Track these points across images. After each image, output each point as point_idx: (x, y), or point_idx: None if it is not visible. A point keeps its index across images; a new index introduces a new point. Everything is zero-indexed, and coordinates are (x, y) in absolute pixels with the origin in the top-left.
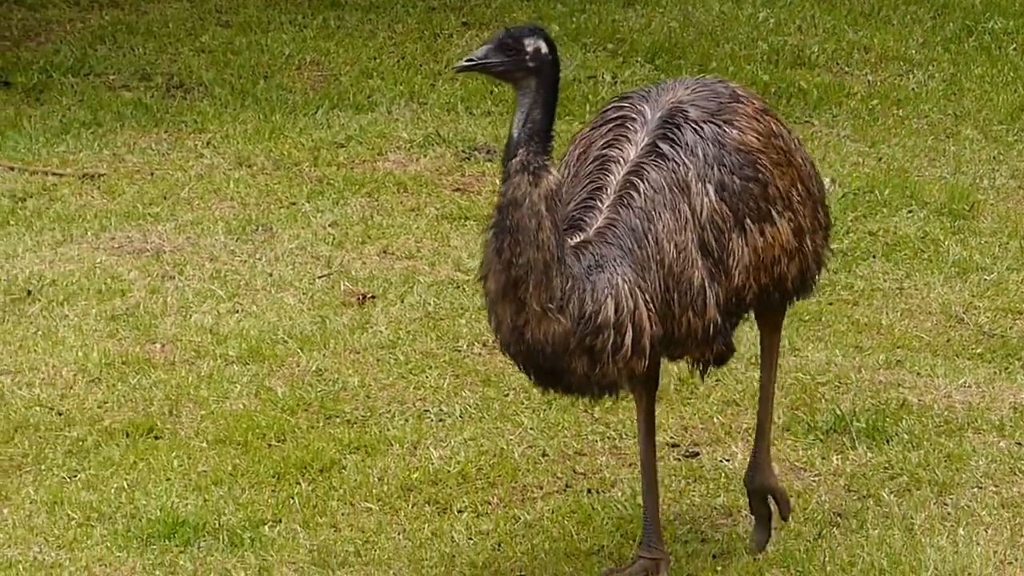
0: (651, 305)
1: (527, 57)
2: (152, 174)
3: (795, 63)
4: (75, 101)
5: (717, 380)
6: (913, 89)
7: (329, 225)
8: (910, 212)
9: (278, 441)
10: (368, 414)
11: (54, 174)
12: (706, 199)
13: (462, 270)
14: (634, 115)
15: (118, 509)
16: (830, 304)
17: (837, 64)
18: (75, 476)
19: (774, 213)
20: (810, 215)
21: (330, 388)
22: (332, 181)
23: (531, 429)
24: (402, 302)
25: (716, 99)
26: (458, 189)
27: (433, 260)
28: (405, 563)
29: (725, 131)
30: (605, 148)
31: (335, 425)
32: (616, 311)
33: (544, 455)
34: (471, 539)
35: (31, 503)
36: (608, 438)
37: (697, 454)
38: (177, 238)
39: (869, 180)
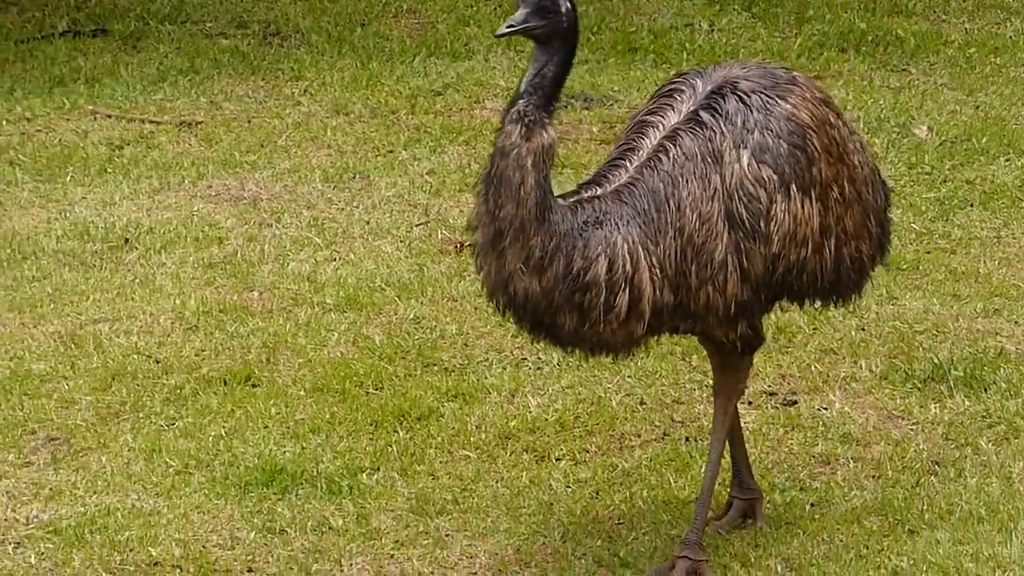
0: (658, 270)
1: (563, 19)
2: (249, 122)
3: (892, 11)
4: (172, 49)
5: (815, 328)
6: (1011, 37)
7: (426, 173)
8: (1007, 160)
9: (376, 389)
10: (466, 362)
11: (151, 122)
12: (737, 166)
13: None
14: (684, 88)
15: (216, 457)
16: (928, 253)
17: (934, 12)
18: (173, 424)
19: (813, 193)
20: (856, 221)
21: (428, 336)
22: (429, 129)
23: (629, 377)
24: None
25: (773, 78)
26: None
27: None
28: (503, 511)
29: (776, 102)
30: (647, 115)
31: (433, 373)
32: (609, 269)
33: (642, 403)
34: (569, 487)
35: (129, 451)
36: (706, 386)
37: (795, 402)
38: (274, 186)
39: (966, 128)
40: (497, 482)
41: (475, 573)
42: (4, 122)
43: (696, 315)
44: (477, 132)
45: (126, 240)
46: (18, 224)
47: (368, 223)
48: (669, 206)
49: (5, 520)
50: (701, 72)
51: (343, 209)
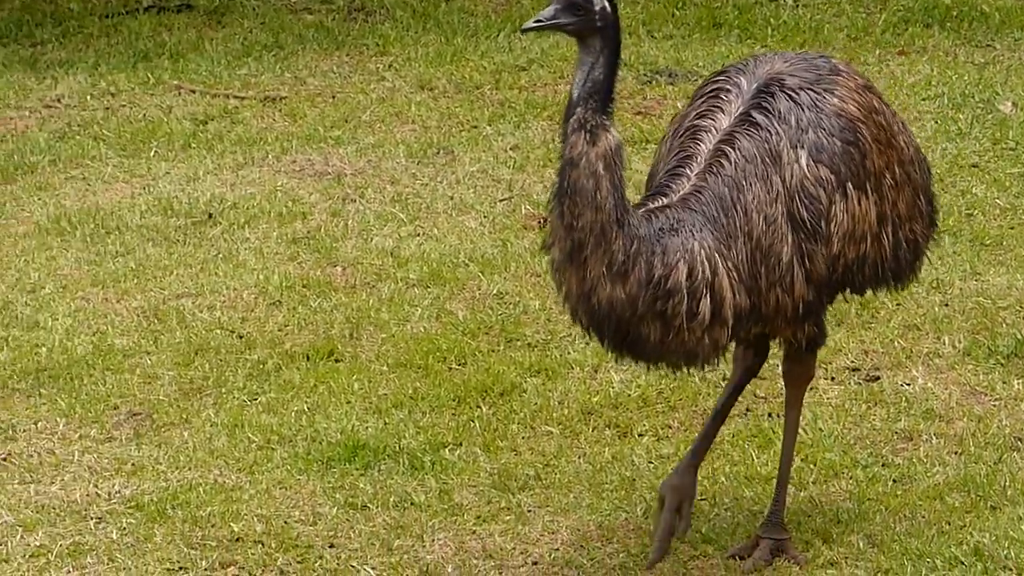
0: (735, 275)
1: (596, 17)
2: (333, 97)
3: None
4: (256, 24)
5: (898, 304)
6: None
7: (510, 148)
8: None
9: (459, 365)
10: (549, 337)
11: (235, 97)
12: (797, 166)
13: (642, 193)
14: (729, 87)
15: (298, 432)
16: (1011, 228)
17: None
18: (255, 399)
19: (868, 187)
20: (907, 202)
21: (511, 311)
22: (513, 104)
23: None
24: None
25: (815, 71)
26: (639, 113)
27: None
28: (585, 487)
29: (824, 97)
30: (697, 119)
31: (516, 348)
32: (689, 276)
33: (724, 379)
34: (651, 463)
35: (212, 426)
36: None
37: (878, 378)
38: (358, 161)
39: None
40: (580, 458)
41: (557, 549)
42: (89, 97)
43: (766, 317)
44: (561, 107)
45: (210, 215)
46: (102, 199)
47: (452, 198)
48: (736, 210)
49: (87, 495)
50: (742, 69)
51: (427, 184)
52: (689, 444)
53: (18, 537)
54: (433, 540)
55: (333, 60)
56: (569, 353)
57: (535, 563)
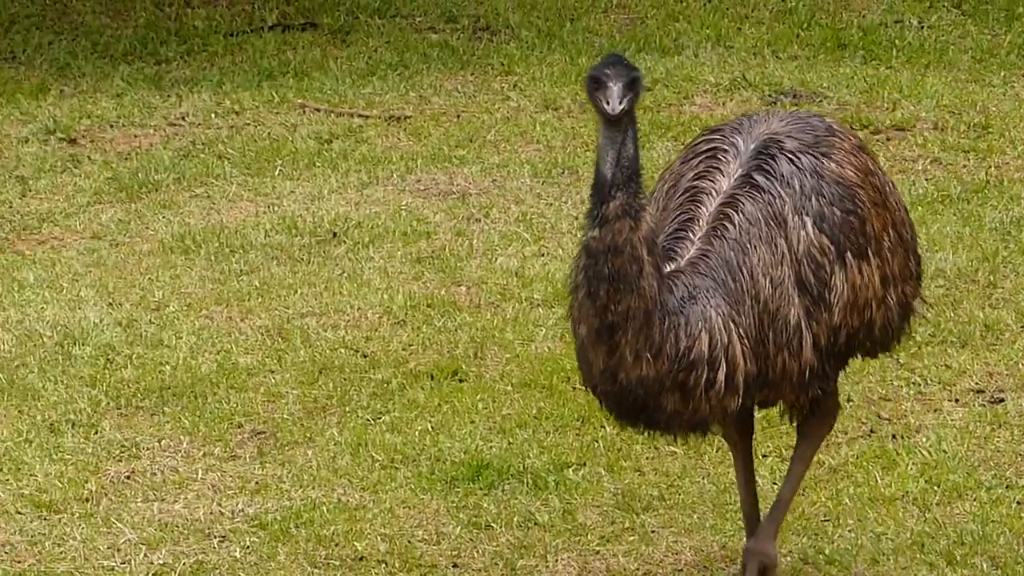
0: (745, 341)
1: (641, 88)
2: (458, 116)
3: None
4: (381, 43)
5: (1023, 326)
6: None
7: None
8: None
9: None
10: None
11: (360, 116)
12: (803, 232)
13: None
14: (726, 147)
15: (422, 451)
16: None
17: None
18: (379, 418)
19: (869, 252)
20: (900, 263)
21: None
22: (639, 125)
23: None
24: None
25: (812, 131)
26: None
27: None
28: (709, 507)
29: (823, 163)
30: (696, 180)
31: None
32: (710, 346)
33: (848, 400)
34: (775, 484)
35: (335, 445)
36: (913, 383)
37: (1002, 400)
38: (483, 180)
39: None
40: (703, 478)
41: (680, 570)
42: (213, 115)
43: (772, 383)
44: (686, 128)
45: (334, 234)
46: (226, 217)
47: (576, 218)
48: (743, 274)
49: (211, 514)
50: (737, 128)
51: (551, 204)
52: (812, 466)
53: (141, 555)
54: (557, 560)
55: (458, 79)
56: None
57: None
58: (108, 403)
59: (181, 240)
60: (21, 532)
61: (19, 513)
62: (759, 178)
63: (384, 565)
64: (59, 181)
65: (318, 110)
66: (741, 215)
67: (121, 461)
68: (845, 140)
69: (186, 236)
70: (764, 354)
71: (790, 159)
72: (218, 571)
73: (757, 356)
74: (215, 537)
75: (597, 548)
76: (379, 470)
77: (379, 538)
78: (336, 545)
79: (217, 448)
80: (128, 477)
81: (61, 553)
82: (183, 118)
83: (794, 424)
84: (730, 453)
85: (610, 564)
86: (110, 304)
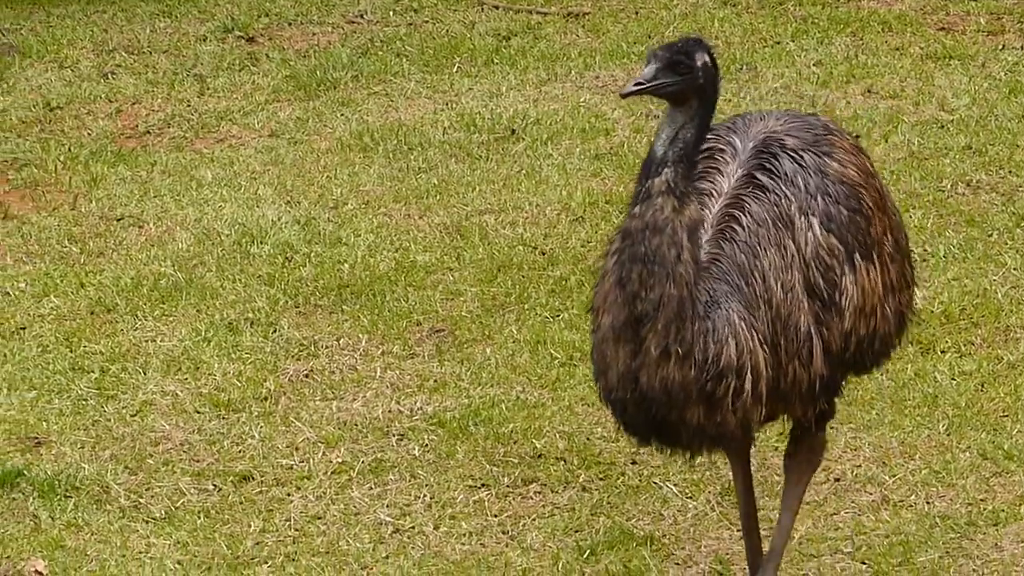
0: (765, 347)
1: (698, 74)
2: (636, 13)
3: None
4: None
5: None
6: None
7: (813, 64)
8: None
9: None
10: None
11: (538, 12)
12: (811, 233)
13: (947, 110)
14: (722, 146)
15: None
16: None
17: None
18: (558, 315)
19: (874, 255)
20: (898, 271)
21: None
22: (817, 20)
23: (1015, 270)
24: (886, 141)
25: (811, 130)
26: (943, 28)
27: (917, 100)
28: (887, 403)
29: (826, 161)
30: (695, 181)
31: None
32: (737, 352)
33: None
34: (954, 379)
35: (514, 342)
36: None
37: None
38: None
39: None
40: (882, 374)
41: (859, 466)
42: (392, 13)
43: (782, 394)
44: (864, 23)
45: (513, 131)
46: (405, 115)
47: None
48: (755, 277)
49: (389, 412)
50: (732, 128)
51: (730, 100)
52: (991, 361)
53: (320, 454)
54: None
55: None
56: None
57: (837, 480)
58: (286, 302)
59: (359, 138)
60: (200, 431)
61: (198, 412)
62: (762, 177)
63: (563, 462)
64: (237, 79)
65: (496, 7)
66: (748, 216)
67: (299, 360)
68: (843, 139)
69: (364, 134)
70: (777, 362)
71: (792, 157)
72: (396, 469)
73: (773, 364)
74: (394, 435)
75: (776, 444)
76: (558, 367)
77: (558, 435)
78: (514, 443)
79: (396, 346)
80: (306, 376)
81: (240, 452)
82: (361, 16)
83: (785, 449)
84: (732, 473)
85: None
86: (288, 202)
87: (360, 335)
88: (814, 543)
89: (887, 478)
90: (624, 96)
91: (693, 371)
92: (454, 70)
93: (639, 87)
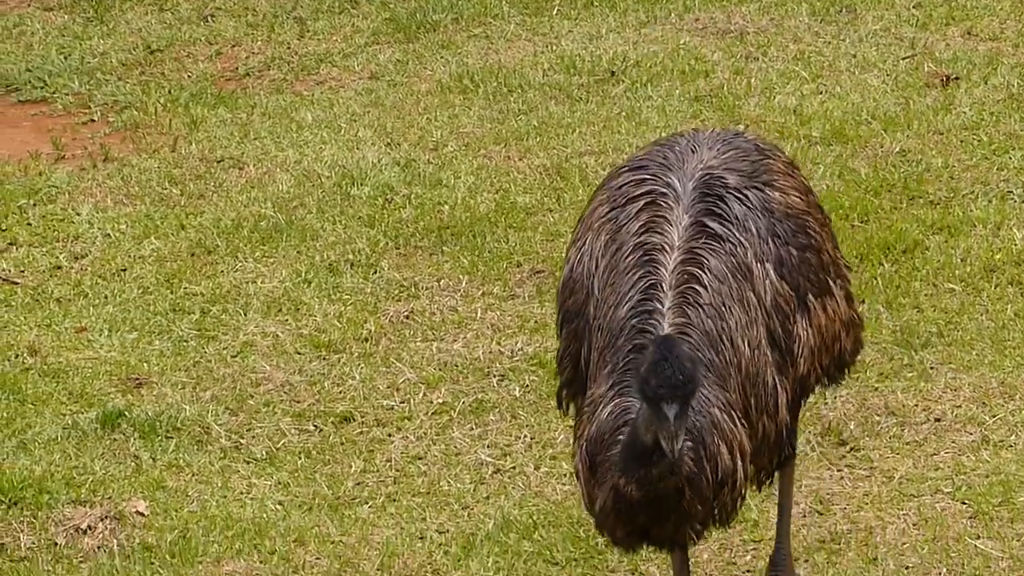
0: (743, 421)
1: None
2: None
3: None
4: None
5: None
6: None
7: (913, 6)
8: None
9: (861, 222)
10: (951, 195)
11: None
12: (768, 282)
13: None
14: (662, 188)
15: None
16: None
17: None
18: None
19: (830, 282)
20: (847, 281)
21: (913, 169)
22: None
23: None
24: (985, 83)
25: (745, 158)
26: None
27: (1017, 42)
28: (988, 344)
29: (768, 194)
30: (643, 234)
31: (918, 206)
32: (730, 454)
33: None
34: None
35: None
36: None
37: None
38: (760, 19)
39: None
40: (982, 315)
41: (959, 406)
42: None
43: (755, 451)
44: None
45: (612, 73)
46: (504, 57)
47: (854, 56)
48: (724, 342)
49: (490, 353)
50: (664, 163)
51: (829, 43)
52: None
53: (421, 394)
54: (836, 396)
55: None
56: (971, 210)
57: (937, 420)
58: (387, 243)
59: (459, 80)
60: (300, 372)
61: (298, 353)
62: (713, 225)
63: None
64: (337, 22)
65: None
66: (708, 273)
67: (400, 301)
68: (776, 160)
69: (464, 76)
70: (751, 424)
71: (738, 198)
72: (497, 409)
73: (750, 433)
74: (494, 376)
75: (876, 384)
76: None
77: None
78: None
79: (496, 287)
80: (407, 317)
81: (340, 393)
82: None
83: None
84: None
85: (888, 400)
86: (388, 144)
87: (460, 276)
88: (914, 483)
89: (987, 418)
90: (678, 456)
91: (699, 494)
92: (554, 12)
93: (680, 453)
